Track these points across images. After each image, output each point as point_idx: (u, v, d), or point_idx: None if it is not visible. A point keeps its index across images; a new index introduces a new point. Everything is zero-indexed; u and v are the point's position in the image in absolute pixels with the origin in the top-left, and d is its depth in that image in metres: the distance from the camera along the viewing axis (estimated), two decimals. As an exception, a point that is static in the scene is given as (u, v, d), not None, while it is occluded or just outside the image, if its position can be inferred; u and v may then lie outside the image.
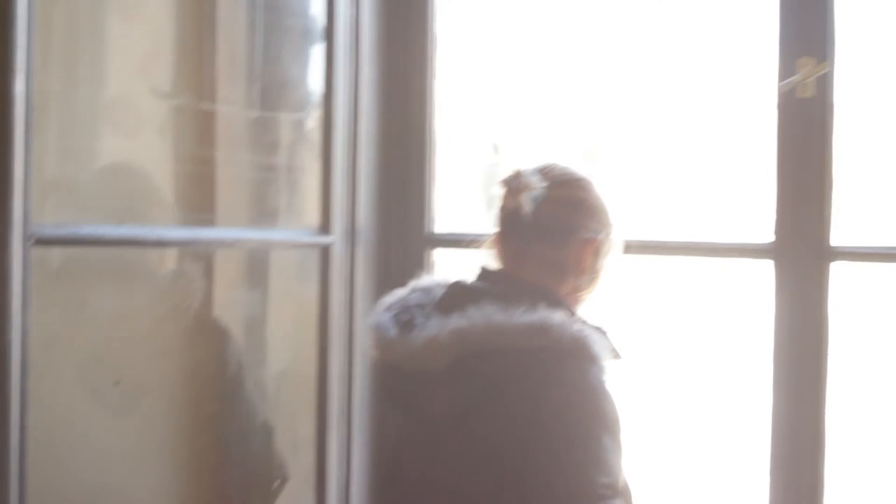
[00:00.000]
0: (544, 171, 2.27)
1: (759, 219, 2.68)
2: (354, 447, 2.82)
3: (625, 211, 2.33)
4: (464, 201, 3.21)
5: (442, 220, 3.03)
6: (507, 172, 2.27)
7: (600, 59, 3.14)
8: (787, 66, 2.61)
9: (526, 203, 2.20)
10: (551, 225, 2.23)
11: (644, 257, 2.59)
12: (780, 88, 2.61)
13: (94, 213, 2.20)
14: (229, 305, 2.65)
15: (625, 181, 3.07)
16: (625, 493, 2.16)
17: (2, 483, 1.81)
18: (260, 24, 2.67)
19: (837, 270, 2.59)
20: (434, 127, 3.02)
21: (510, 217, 2.26)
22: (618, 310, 2.48)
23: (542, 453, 2.02)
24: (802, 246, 2.59)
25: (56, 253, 2.08)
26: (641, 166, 3.12)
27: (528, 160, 2.33)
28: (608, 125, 3.19)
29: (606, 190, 2.31)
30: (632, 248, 2.39)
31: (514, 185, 2.23)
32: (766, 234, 2.64)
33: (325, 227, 2.70)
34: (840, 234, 2.58)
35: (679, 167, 3.08)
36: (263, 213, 2.73)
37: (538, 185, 2.22)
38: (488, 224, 2.39)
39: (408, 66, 3.01)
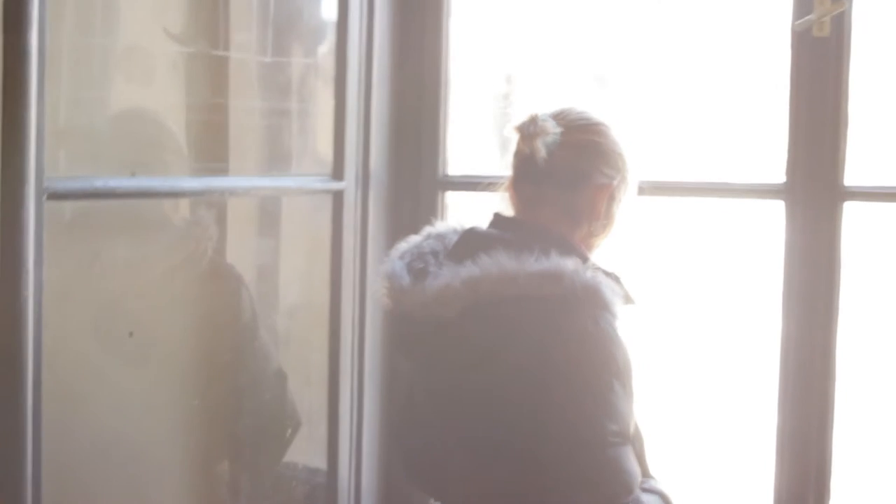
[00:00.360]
0: (560, 116, 2.25)
1: (771, 159, 2.67)
2: (366, 388, 2.85)
3: (639, 155, 2.32)
4: (479, 137, 3.19)
5: (456, 159, 3.01)
6: (522, 117, 2.25)
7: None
8: (804, 4, 2.59)
9: (540, 148, 2.18)
10: (566, 170, 2.22)
11: (654, 198, 2.57)
12: (795, 27, 2.58)
13: (108, 162, 2.19)
14: (243, 253, 2.66)
15: (635, 111, 3.05)
16: (636, 440, 2.18)
17: (19, 435, 1.84)
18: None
19: (851, 210, 2.58)
20: (448, 68, 2.99)
21: (524, 162, 2.24)
22: (630, 253, 2.47)
23: (553, 400, 2.03)
24: (814, 186, 2.58)
25: (69, 205, 2.08)
26: (652, 96, 3.10)
27: (539, 91, 2.30)
28: (620, 53, 3.16)
29: (622, 134, 2.29)
30: (643, 189, 2.38)
31: (529, 129, 2.21)
32: (777, 174, 2.63)
33: (337, 173, 2.71)
34: (854, 174, 2.57)
35: (690, 105, 3.05)
36: (277, 158, 2.73)
37: (553, 130, 2.20)
38: (502, 166, 2.38)
39: (422, 6, 2.99)
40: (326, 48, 2.74)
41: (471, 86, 3.18)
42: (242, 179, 2.53)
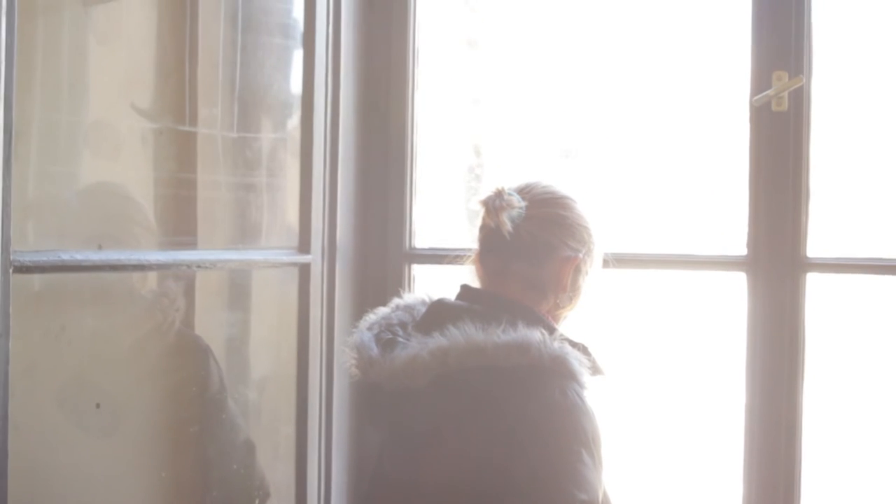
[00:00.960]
0: (525, 190, 2.28)
1: (734, 231, 2.70)
2: (334, 459, 2.84)
3: (605, 228, 2.34)
4: (448, 209, 3.21)
5: (425, 231, 3.03)
6: (487, 191, 2.28)
7: (579, 65, 3.15)
8: (762, 79, 2.64)
9: (506, 222, 2.20)
10: (531, 243, 2.24)
11: (619, 270, 2.59)
12: (754, 102, 2.63)
13: (75, 235, 2.19)
14: (211, 324, 2.66)
15: (601, 184, 3.09)
16: (605, 509, 2.18)
17: (-16, 510, 1.82)
18: (239, 44, 2.67)
19: (813, 282, 2.62)
20: (415, 141, 3.01)
21: (490, 236, 2.26)
22: (596, 324, 2.48)
23: (522, 471, 2.03)
24: (776, 258, 2.62)
25: (36, 278, 2.08)
26: (617, 170, 3.14)
27: (508, 165, 2.31)
28: (586, 128, 3.20)
29: (587, 207, 2.32)
30: (608, 261, 2.40)
31: (495, 203, 2.23)
32: (739, 246, 2.66)
33: (304, 246, 2.72)
34: (817, 245, 2.61)
35: (653, 180, 3.09)
36: (246, 231, 2.73)
37: (518, 204, 2.22)
38: (470, 237, 2.39)
39: (387, 79, 3.01)
40: (295, 122, 2.76)
41: (440, 158, 3.21)
42: (209, 253, 2.53)
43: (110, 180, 2.34)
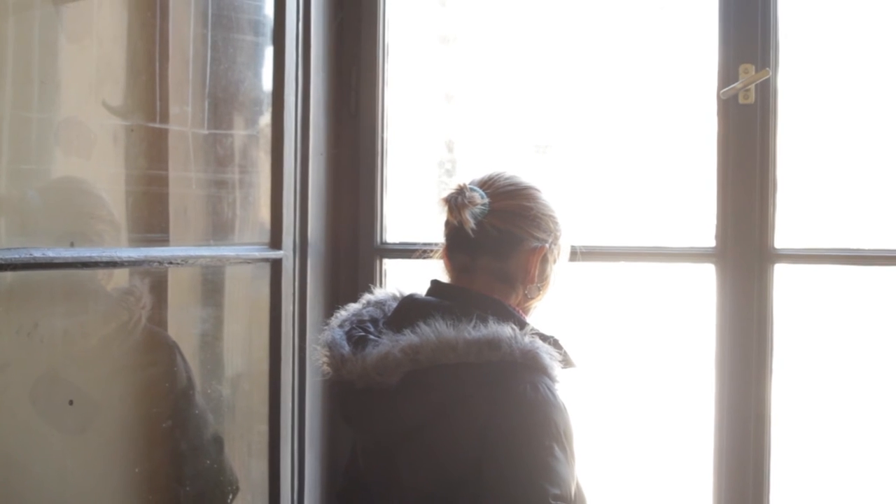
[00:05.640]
0: (487, 184, 2.28)
1: (701, 223, 2.72)
2: (307, 455, 2.85)
3: (571, 217, 2.35)
4: (421, 204, 3.21)
5: (397, 226, 3.04)
6: (449, 188, 2.28)
7: (550, 60, 3.16)
8: (729, 72, 2.66)
9: (469, 219, 2.20)
10: (496, 237, 2.24)
11: (588, 263, 2.61)
12: (721, 95, 2.65)
13: (47, 233, 2.19)
14: (183, 321, 2.66)
15: (574, 179, 3.10)
16: (578, 502, 2.19)
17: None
18: (210, 41, 2.67)
19: (781, 273, 2.64)
20: (385, 137, 3.03)
21: (455, 232, 2.27)
22: (567, 317, 2.50)
23: (494, 466, 2.04)
24: (743, 250, 2.64)
25: (8, 275, 2.08)
26: (589, 164, 3.15)
27: (480, 162, 2.30)
28: (559, 123, 3.21)
29: (552, 196, 2.31)
30: (577, 254, 2.41)
31: (457, 201, 2.23)
32: (707, 238, 2.68)
33: (275, 242, 2.73)
34: (785, 236, 2.63)
35: (623, 173, 3.11)
36: (218, 228, 2.74)
37: (480, 200, 2.22)
38: (441, 231, 2.40)
39: (357, 75, 3.02)
40: (267, 119, 2.76)
41: (412, 154, 3.22)
42: (181, 249, 2.53)
43: (82, 178, 2.34)
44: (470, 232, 2.21)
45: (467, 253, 2.27)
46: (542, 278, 2.30)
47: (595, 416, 2.93)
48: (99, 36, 2.38)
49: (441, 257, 2.36)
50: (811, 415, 3.01)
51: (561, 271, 2.34)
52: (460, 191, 2.24)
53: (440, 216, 2.30)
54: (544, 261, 2.28)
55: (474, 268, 2.27)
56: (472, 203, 2.22)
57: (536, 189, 2.31)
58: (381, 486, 2.21)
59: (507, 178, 2.31)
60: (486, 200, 2.24)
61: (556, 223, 2.30)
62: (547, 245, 2.27)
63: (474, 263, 2.27)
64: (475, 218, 2.21)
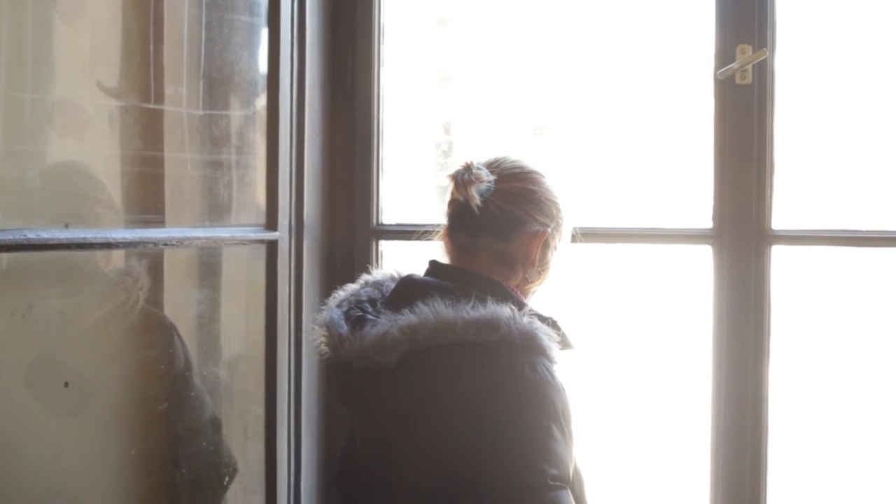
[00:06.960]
0: (494, 165, 2.28)
1: (698, 205, 2.72)
2: (304, 436, 2.84)
3: (573, 202, 2.35)
4: (418, 185, 3.21)
5: (395, 208, 3.03)
6: (456, 165, 2.28)
7: (548, 43, 3.16)
8: (726, 52, 2.65)
9: (475, 196, 2.20)
10: (500, 217, 2.24)
11: (587, 245, 2.60)
12: (718, 75, 2.64)
13: (41, 214, 2.18)
14: (179, 302, 2.65)
15: (571, 160, 3.10)
16: (576, 483, 2.18)
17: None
18: (205, 21, 2.66)
19: (778, 254, 2.63)
20: (382, 118, 3.02)
21: (459, 210, 2.27)
22: (566, 298, 2.49)
23: (493, 447, 2.04)
24: (741, 231, 2.63)
25: (2, 257, 2.06)
26: (587, 146, 3.15)
27: (477, 144, 2.31)
28: (556, 105, 3.21)
29: (556, 182, 2.32)
30: (577, 236, 2.41)
31: (464, 177, 2.23)
32: (705, 219, 2.68)
33: (271, 224, 2.71)
34: (782, 217, 2.62)
35: (620, 155, 3.10)
36: (212, 210, 2.72)
37: (487, 178, 2.23)
38: (439, 213, 2.40)
39: (353, 56, 3.01)
40: (264, 100, 2.75)
41: (408, 135, 3.21)
42: (176, 231, 2.52)
43: (76, 159, 2.32)
44: (475, 209, 2.21)
45: (469, 232, 2.27)
46: (543, 263, 2.30)
47: (593, 397, 2.93)
48: (93, 16, 2.36)
49: (442, 238, 2.35)
50: (808, 395, 3.01)
51: (561, 258, 2.34)
52: (467, 168, 2.25)
53: (440, 197, 2.30)
54: (546, 246, 2.28)
55: (475, 247, 2.26)
56: (479, 180, 2.22)
57: (541, 174, 2.31)
58: (379, 467, 2.20)
59: (512, 161, 2.31)
60: (493, 178, 2.23)
61: (559, 209, 2.31)
62: (549, 230, 2.27)
63: (476, 243, 2.26)
64: (481, 195, 2.21)
